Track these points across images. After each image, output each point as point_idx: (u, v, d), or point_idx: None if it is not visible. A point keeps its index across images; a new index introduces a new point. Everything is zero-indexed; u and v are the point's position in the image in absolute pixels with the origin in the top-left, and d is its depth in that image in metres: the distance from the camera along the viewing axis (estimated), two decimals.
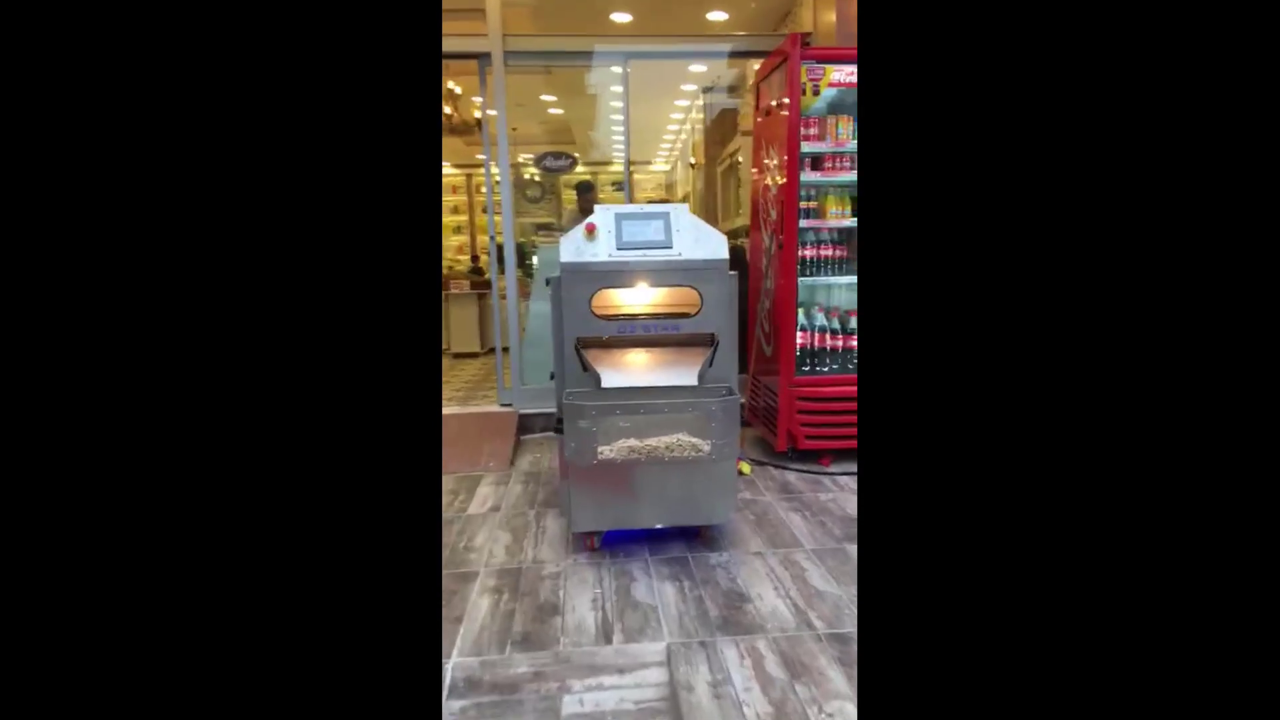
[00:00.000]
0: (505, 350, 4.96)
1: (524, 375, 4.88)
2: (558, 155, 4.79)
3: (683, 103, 7.55)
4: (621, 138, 4.89)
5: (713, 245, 2.76)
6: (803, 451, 3.94)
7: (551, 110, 7.40)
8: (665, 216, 2.79)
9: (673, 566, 2.77)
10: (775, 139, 3.90)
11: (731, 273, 2.79)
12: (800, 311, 3.89)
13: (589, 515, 2.85)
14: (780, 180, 3.79)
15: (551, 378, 2.83)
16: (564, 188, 8.86)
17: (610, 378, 2.74)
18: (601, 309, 3.03)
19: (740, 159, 7.82)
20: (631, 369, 2.81)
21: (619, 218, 2.78)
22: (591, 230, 2.72)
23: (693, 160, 7.93)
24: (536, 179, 9.30)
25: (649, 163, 9.33)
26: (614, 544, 2.96)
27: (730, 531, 3.06)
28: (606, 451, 2.62)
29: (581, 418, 2.55)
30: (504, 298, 4.89)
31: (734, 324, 2.83)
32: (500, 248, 4.80)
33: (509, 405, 4.85)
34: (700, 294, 2.77)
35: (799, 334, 3.88)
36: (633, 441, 2.64)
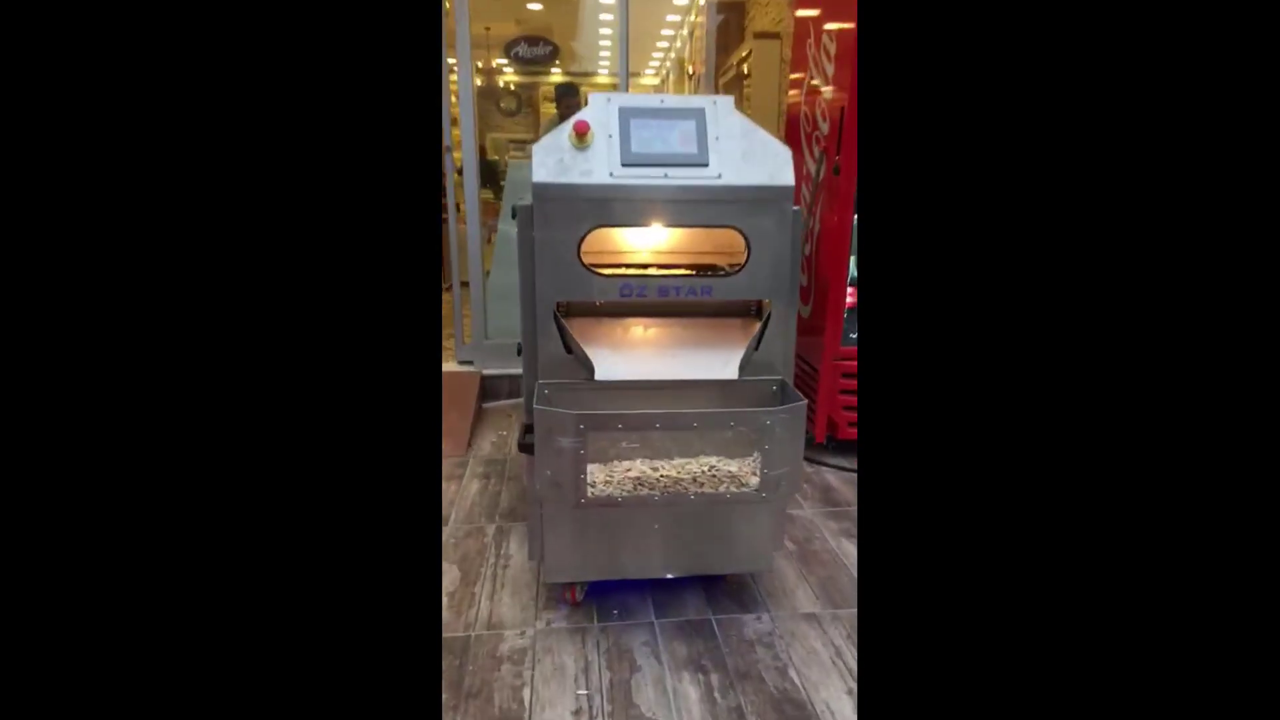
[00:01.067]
0: (465, 286, 3.96)
1: (488, 327, 3.90)
2: (533, 41, 3.70)
3: (680, 1, 6.40)
4: (609, 41, 3.79)
5: (772, 163, 1.78)
6: (843, 442, 3.06)
7: (530, 5, 6.23)
8: (699, 115, 1.80)
9: (692, 642, 1.88)
10: (834, 20, 2.87)
11: (795, 208, 1.82)
12: (852, 260, 2.94)
13: (569, 562, 1.94)
14: (830, 86, 2.78)
15: (519, 353, 1.88)
16: (543, 100, 7.71)
17: (608, 365, 1.80)
18: (596, 257, 2.04)
19: (748, 69, 6.75)
20: (640, 352, 1.86)
21: (627, 115, 1.78)
22: (583, 132, 1.73)
23: (690, 70, 6.81)
24: (512, 88, 8.10)
25: (637, 74, 8.12)
26: (605, 594, 2.07)
27: (766, 573, 2.19)
28: (601, 484, 1.68)
29: (561, 432, 1.61)
30: (464, 223, 3.86)
31: (794, 286, 1.88)
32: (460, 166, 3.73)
33: (469, 364, 3.88)
34: (747, 239, 1.80)
35: (848, 290, 2.94)
36: (642, 467, 1.71)
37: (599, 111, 1.78)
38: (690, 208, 1.77)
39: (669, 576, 2.02)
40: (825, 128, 2.91)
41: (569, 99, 4.36)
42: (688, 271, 1.97)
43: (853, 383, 2.98)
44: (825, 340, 2.95)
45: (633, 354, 1.84)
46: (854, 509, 2.67)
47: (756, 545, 2.00)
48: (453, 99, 3.68)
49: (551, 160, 1.72)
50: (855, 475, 2.92)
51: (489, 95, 7.59)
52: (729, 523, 1.90)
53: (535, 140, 1.77)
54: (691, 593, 2.09)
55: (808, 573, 2.22)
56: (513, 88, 7.92)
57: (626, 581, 2.05)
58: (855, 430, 3.01)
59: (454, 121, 3.68)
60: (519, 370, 1.91)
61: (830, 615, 2.02)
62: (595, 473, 1.70)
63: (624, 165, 1.75)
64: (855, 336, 2.99)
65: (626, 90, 3.97)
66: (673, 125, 1.79)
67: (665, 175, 1.75)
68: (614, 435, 1.74)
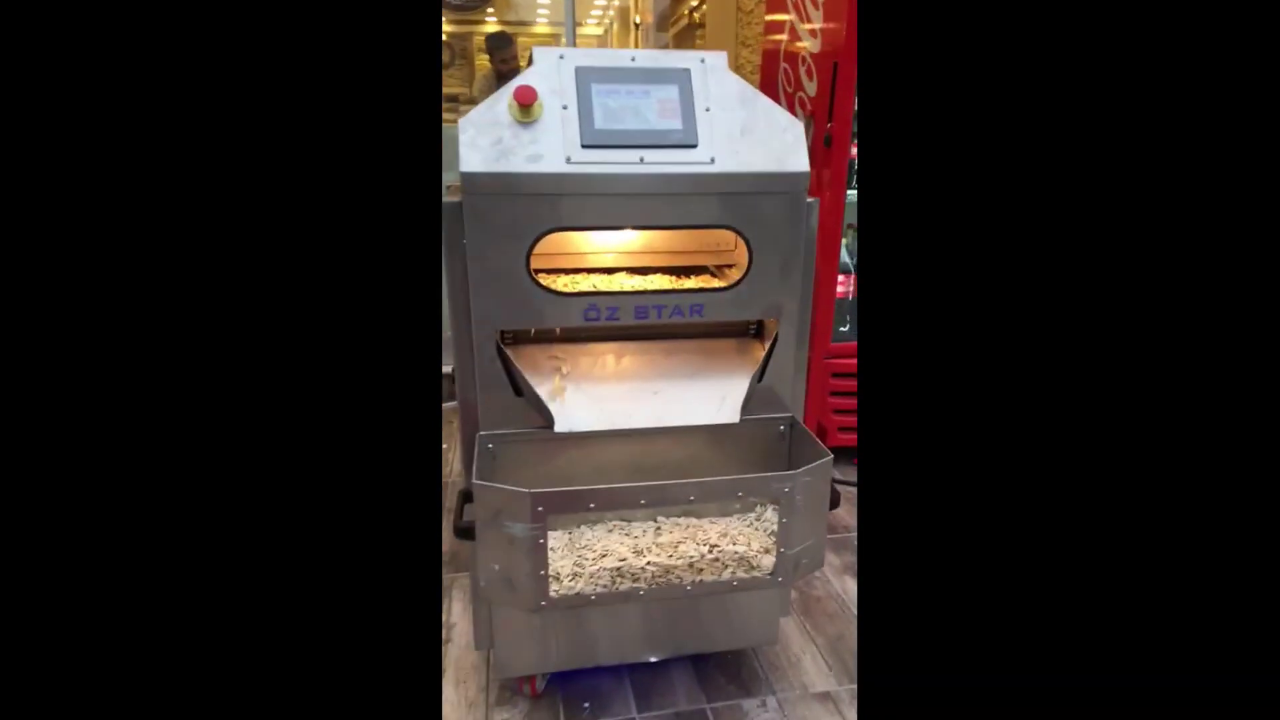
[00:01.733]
0: None
1: None
2: None
3: None
4: None
5: (780, 141, 1.35)
6: (836, 449, 2.70)
7: None
8: (682, 79, 1.35)
9: None
10: None
11: (811, 200, 1.41)
12: (844, 245, 2.55)
13: (527, 653, 1.54)
14: (819, 35, 2.34)
15: (451, 399, 1.44)
16: (477, 52, 7.07)
17: (571, 410, 1.37)
18: (549, 261, 1.60)
19: (701, 16, 6.22)
20: (612, 388, 1.43)
21: (587, 78, 1.32)
22: (528, 101, 1.27)
23: (637, 19, 6.25)
24: (444, 38, 7.42)
25: (579, 25, 7.50)
26: (573, 682, 1.67)
27: None
28: (569, 579, 1.27)
29: (513, 515, 1.18)
30: None
31: (807, 300, 1.48)
32: None
33: None
34: (749, 242, 1.38)
35: (839, 279, 2.55)
36: (623, 554, 1.30)
37: (548, 73, 1.32)
38: (675, 203, 1.34)
39: (652, 660, 1.64)
40: (812, 88, 2.48)
41: (503, 51, 3.79)
42: (671, 282, 1.54)
43: (845, 383, 2.61)
44: (814, 335, 2.56)
45: (603, 391, 1.42)
46: (855, 535, 2.32)
47: (760, 615, 1.63)
48: None
49: (485, 141, 1.26)
50: (854, 489, 2.57)
51: None
52: (728, 595, 1.52)
53: (467, 93, 1.30)
54: (680, 672, 1.70)
55: (814, 630, 1.86)
56: (445, 38, 7.25)
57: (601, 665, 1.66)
58: (848, 436, 2.65)
59: None
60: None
61: (847, 693, 1.66)
62: (560, 559, 1.28)
63: (585, 146, 1.30)
64: (846, 330, 2.62)
65: (573, 43, 3.45)
66: (648, 92, 1.34)
67: (641, 160, 1.31)
68: (581, 516, 1.32)
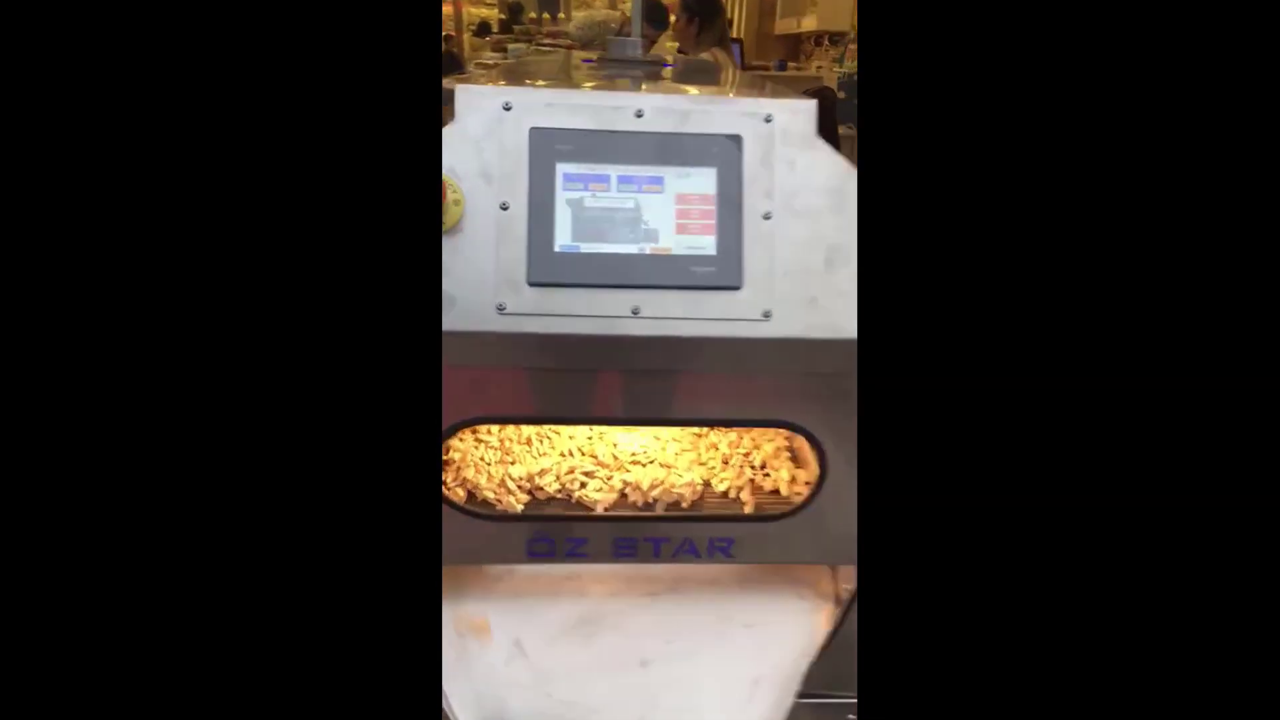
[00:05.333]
0: None
1: None
2: None
3: None
4: None
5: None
6: None
7: None
8: (727, 155, 0.73)
9: None
10: None
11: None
12: None
13: None
14: None
15: None
16: None
17: (496, 695, 0.83)
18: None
19: None
20: (575, 662, 0.88)
21: (547, 149, 0.72)
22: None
23: None
24: None
25: None
26: None
27: None
28: None
29: None
30: None
31: None
32: None
33: None
34: (819, 447, 0.78)
35: None
36: None
37: (481, 137, 0.72)
38: (694, 388, 0.75)
39: None
40: None
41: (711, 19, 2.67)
42: (675, 494, 0.93)
43: None
44: None
45: (561, 671, 0.87)
46: None
47: None
48: None
49: None
50: None
51: None
52: None
53: None
54: None
55: None
56: None
57: None
58: None
59: None
60: None
61: None
62: None
63: (534, 284, 0.71)
64: None
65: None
66: (659, 181, 0.73)
67: (635, 312, 0.72)
68: None
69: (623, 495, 0.90)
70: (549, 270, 0.71)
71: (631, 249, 0.72)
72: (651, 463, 0.95)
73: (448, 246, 0.71)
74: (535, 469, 0.92)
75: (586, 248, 0.72)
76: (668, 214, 0.73)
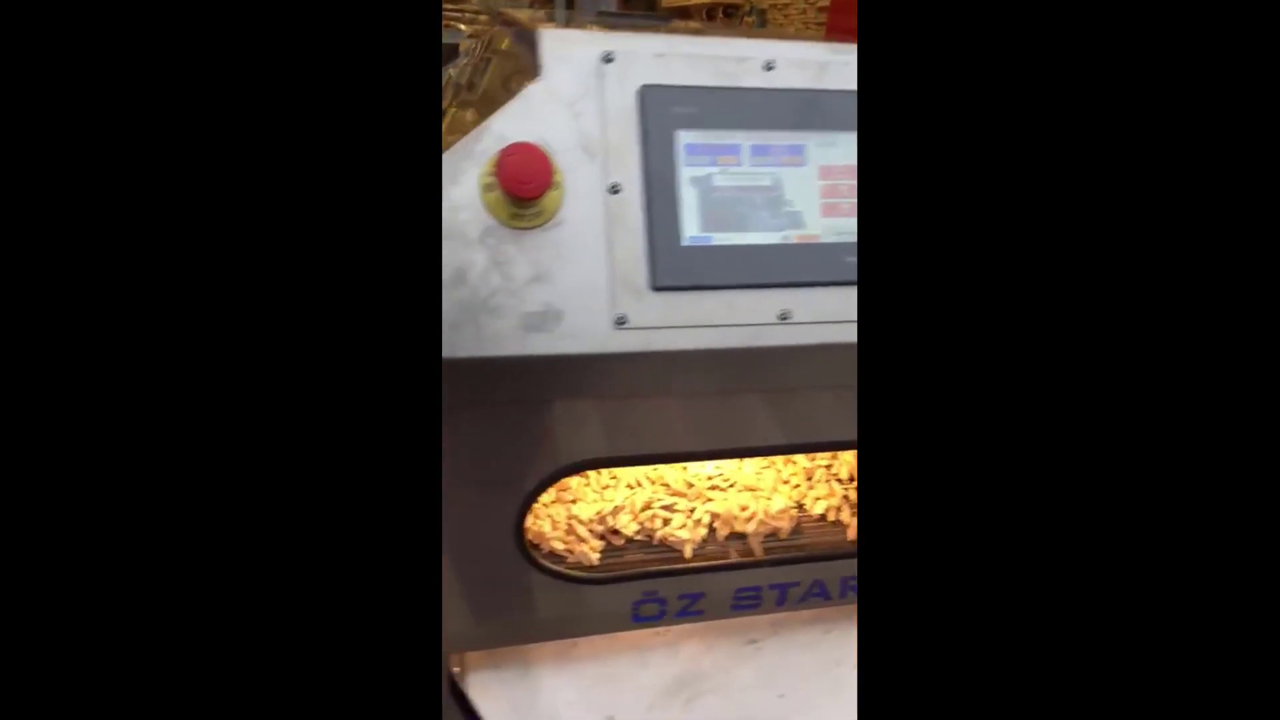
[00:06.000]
0: None
1: None
2: None
3: None
4: None
5: None
6: None
7: None
8: None
9: None
10: None
11: None
12: None
13: None
14: None
15: None
16: None
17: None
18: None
19: None
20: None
21: (664, 113, 0.56)
22: (527, 191, 0.51)
23: None
24: None
25: None
26: None
27: None
28: None
29: None
30: None
31: None
32: None
33: None
34: None
35: None
36: None
37: (577, 100, 0.55)
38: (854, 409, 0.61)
39: None
40: None
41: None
42: (772, 524, 0.79)
43: None
44: None
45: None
46: None
47: None
48: None
49: (447, 273, 0.51)
50: None
51: None
52: None
53: None
54: None
55: None
56: None
57: None
58: None
59: None
60: None
61: None
62: None
63: (659, 289, 0.55)
64: None
65: None
66: (799, 152, 0.59)
67: (783, 317, 0.58)
68: None
69: (711, 530, 0.76)
70: (678, 270, 0.56)
71: (774, 238, 0.58)
72: (731, 486, 0.81)
73: (545, 243, 0.54)
74: (604, 507, 0.76)
75: (720, 239, 0.57)
76: (812, 192, 0.59)
